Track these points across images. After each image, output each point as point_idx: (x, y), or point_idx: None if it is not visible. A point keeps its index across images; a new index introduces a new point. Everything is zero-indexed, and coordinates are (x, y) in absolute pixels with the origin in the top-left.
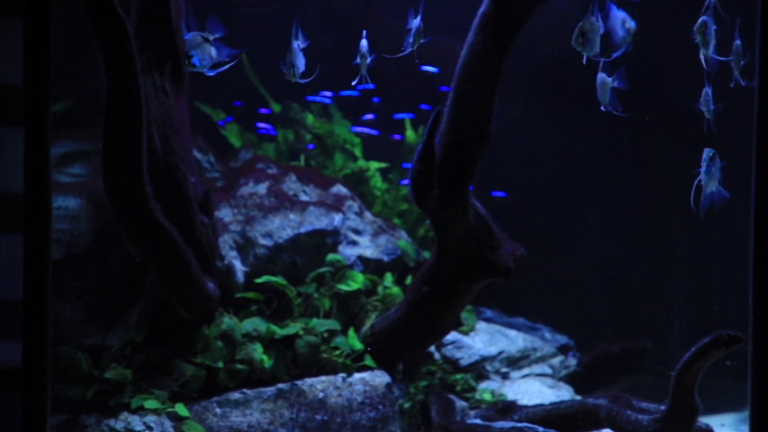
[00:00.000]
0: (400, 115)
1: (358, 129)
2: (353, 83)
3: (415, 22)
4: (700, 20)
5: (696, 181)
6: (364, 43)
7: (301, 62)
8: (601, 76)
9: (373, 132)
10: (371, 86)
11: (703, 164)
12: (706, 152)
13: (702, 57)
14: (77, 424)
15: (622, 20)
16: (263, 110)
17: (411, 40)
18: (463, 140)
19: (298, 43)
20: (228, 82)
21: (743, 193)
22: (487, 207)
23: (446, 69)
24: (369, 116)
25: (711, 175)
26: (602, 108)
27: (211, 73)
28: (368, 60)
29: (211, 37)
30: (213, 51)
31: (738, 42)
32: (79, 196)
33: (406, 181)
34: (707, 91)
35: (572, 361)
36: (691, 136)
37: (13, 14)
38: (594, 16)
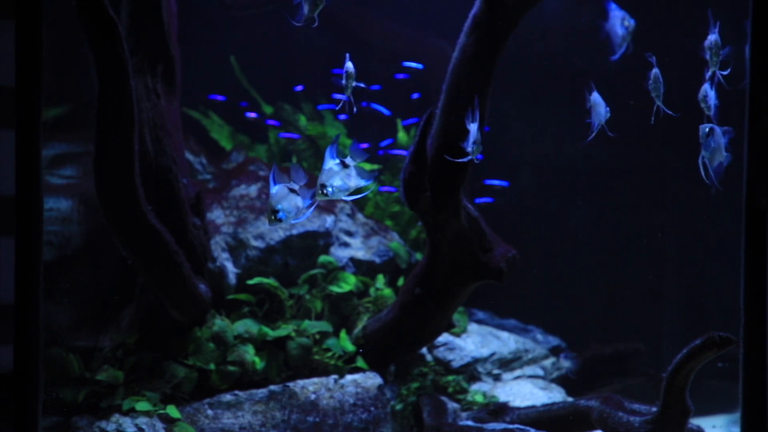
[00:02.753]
0: (408, 122)
1: (376, 107)
2: (337, 108)
3: (472, 131)
4: (710, 37)
5: (700, 159)
6: (349, 65)
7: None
8: (596, 97)
9: (385, 111)
10: (346, 116)
11: (702, 140)
12: (702, 128)
13: (708, 74)
14: (69, 426)
15: (621, 18)
16: (249, 114)
17: (472, 150)
18: (455, 142)
19: (337, 163)
20: (219, 84)
21: (735, 193)
22: (478, 208)
23: (438, 71)
24: (386, 145)
25: (713, 149)
26: (593, 128)
27: (295, 221)
28: (353, 83)
29: (296, 187)
30: (299, 201)
31: (717, 37)
32: (71, 197)
33: (385, 188)
34: (706, 87)
35: (564, 363)
36: (683, 135)
37: (5, 15)
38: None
